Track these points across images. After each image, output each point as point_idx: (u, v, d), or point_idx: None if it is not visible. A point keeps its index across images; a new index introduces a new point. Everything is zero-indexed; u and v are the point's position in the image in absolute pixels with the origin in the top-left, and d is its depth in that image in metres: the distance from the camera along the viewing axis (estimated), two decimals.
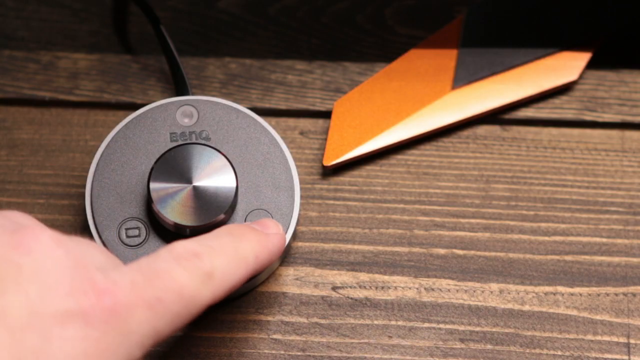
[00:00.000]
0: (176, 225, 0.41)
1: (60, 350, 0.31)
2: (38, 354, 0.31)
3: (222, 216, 0.42)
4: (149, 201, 0.42)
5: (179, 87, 0.46)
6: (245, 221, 0.43)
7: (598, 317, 0.44)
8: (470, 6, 0.50)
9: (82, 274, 0.33)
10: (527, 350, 0.43)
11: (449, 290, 0.44)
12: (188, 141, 0.44)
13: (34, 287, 0.32)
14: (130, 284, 0.34)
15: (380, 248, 0.45)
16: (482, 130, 0.48)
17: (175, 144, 0.44)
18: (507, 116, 0.48)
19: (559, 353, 0.43)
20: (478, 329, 0.44)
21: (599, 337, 0.44)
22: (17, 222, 0.34)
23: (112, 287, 0.33)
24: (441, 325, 0.44)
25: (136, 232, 0.42)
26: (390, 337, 0.43)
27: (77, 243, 0.34)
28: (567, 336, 0.44)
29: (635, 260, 0.45)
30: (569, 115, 0.48)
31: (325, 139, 0.47)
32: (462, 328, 0.44)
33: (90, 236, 0.42)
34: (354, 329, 0.44)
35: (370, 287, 0.44)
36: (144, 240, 0.42)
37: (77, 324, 0.32)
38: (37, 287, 0.32)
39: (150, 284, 0.34)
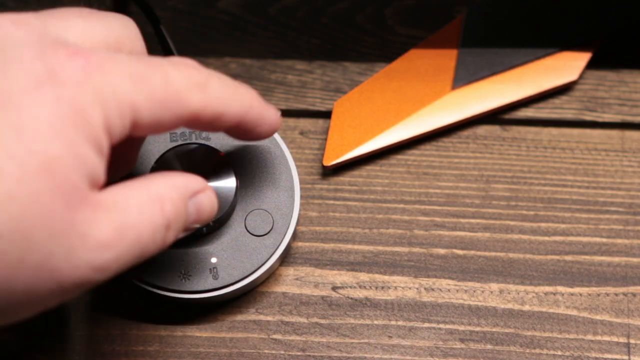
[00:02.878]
0: None
1: (34, 117, 0.30)
2: (15, 127, 0.30)
3: (222, 216, 0.42)
4: None
5: None
6: (245, 221, 0.43)
7: (598, 317, 0.44)
8: (470, 6, 0.49)
9: (50, 43, 0.32)
10: (527, 350, 0.43)
11: (449, 290, 0.44)
12: (188, 141, 0.44)
13: None
14: (109, 55, 0.32)
15: (380, 248, 0.45)
16: (482, 130, 0.48)
17: (175, 144, 0.44)
18: (507, 116, 0.48)
19: (559, 353, 0.43)
20: (478, 329, 0.44)
21: (599, 337, 0.44)
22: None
23: (85, 51, 0.32)
24: (441, 325, 0.44)
25: None
26: (390, 337, 0.43)
27: (44, 20, 0.33)
28: (567, 336, 0.44)
29: (635, 260, 0.45)
30: (569, 115, 0.48)
31: (325, 139, 0.47)
32: (462, 328, 0.44)
33: None
34: (354, 329, 0.44)
35: (370, 287, 0.44)
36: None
37: (48, 87, 0.31)
38: (0, 67, 0.31)
39: (134, 63, 0.33)
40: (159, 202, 0.34)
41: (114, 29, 0.36)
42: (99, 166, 0.32)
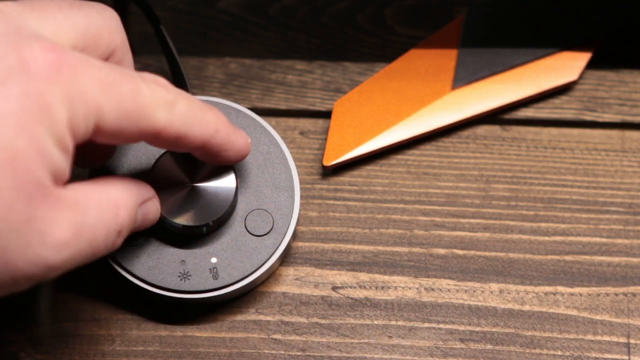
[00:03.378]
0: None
1: (2, 109, 0.30)
2: None
3: (222, 216, 0.42)
4: None
5: (179, 87, 0.46)
6: (245, 221, 0.43)
7: (598, 317, 0.44)
8: (470, 6, 0.50)
9: (26, 35, 0.32)
10: (527, 350, 0.43)
11: (449, 290, 0.44)
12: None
13: None
14: (84, 58, 0.32)
15: (380, 248, 0.45)
16: (482, 130, 0.48)
17: None
18: (507, 116, 0.48)
19: (559, 353, 0.43)
20: (478, 329, 0.44)
21: (599, 337, 0.44)
22: None
23: (59, 48, 0.32)
24: (441, 325, 0.44)
25: None
26: (390, 337, 0.43)
27: (23, 11, 0.33)
28: (567, 336, 0.44)
29: (635, 260, 0.45)
30: (569, 115, 0.48)
31: (325, 139, 0.47)
32: (462, 328, 0.44)
33: None
34: (354, 329, 0.44)
35: (370, 287, 0.44)
36: (143, 240, 0.42)
37: (18, 79, 0.31)
38: None
39: (106, 70, 0.33)
40: (115, 208, 0.35)
41: (94, 21, 0.36)
42: (62, 163, 0.32)
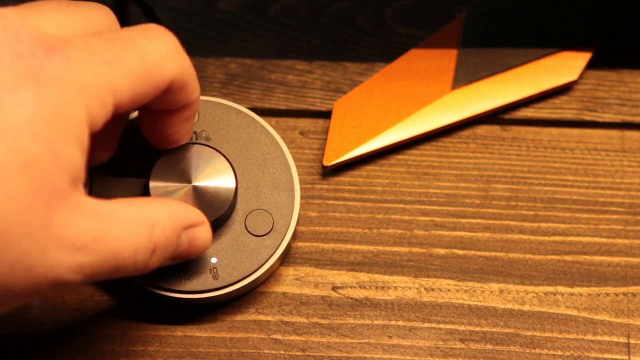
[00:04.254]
0: None
1: (15, 117, 0.30)
2: None
3: (221, 216, 0.42)
4: None
5: None
6: (245, 221, 0.43)
7: (598, 317, 0.44)
8: (470, 6, 0.50)
9: (27, 41, 0.32)
10: (527, 350, 0.43)
11: (449, 290, 0.44)
12: (188, 142, 0.44)
13: None
14: (84, 43, 0.32)
15: (380, 248, 0.45)
16: (482, 130, 0.48)
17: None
18: (507, 116, 0.48)
19: (559, 353, 0.43)
20: (478, 329, 0.44)
21: (599, 337, 0.44)
22: None
23: (61, 45, 0.32)
24: (441, 325, 0.44)
25: None
26: (390, 337, 0.43)
27: (22, 14, 0.33)
28: (567, 336, 0.44)
29: (635, 260, 0.45)
30: (569, 115, 0.48)
31: (325, 139, 0.47)
32: (462, 328, 0.44)
33: None
34: (354, 329, 0.44)
35: (370, 287, 0.44)
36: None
37: (28, 86, 0.31)
38: None
39: (108, 45, 0.33)
40: (150, 226, 0.35)
41: (92, 19, 0.36)
42: (79, 162, 0.32)
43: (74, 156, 0.32)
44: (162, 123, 0.39)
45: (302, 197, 0.46)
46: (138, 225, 0.34)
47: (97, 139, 0.36)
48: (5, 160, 0.30)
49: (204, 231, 0.39)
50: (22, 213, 0.31)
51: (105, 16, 0.37)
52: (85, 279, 0.33)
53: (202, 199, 0.41)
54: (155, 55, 0.34)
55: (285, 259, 0.45)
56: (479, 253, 0.45)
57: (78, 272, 0.32)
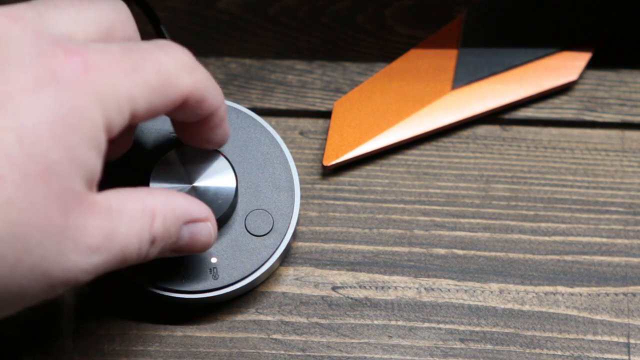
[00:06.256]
0: None
1: (34, 120, 0.31)
2: (16, 131, 0.30)
3: (222, 216, 0.42)
4: None
5: None
6: (245, 221, 0.43)
7: (598, 317, 0.44)
8: (470, 6, 0.49)
9: (47, 41, 0.32)
10: (527, 350, 0.43)
11: (449, 290, 0.44)
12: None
13: None
14: (104, 50, 0.33)
15: (380, 248, 0.45)
16: (482, 130, 0.48)
17: (176, 144, 0.43)
18: (507, 116, 0.48)
19: (559, 353, 0.43)
20: (478, 329, 0.44)
21: (599, 337, 0.44)
22: None
23: (81, 49, 0.32)
24: (441, 325, 0.44)
25: None
26: (390, 337, 0.43)
27: (38, 12, 0.33)
28: (567, 336, 0.44)
29: (635, 260, 0.45)
30: (569, 115, 0.48)
31: (325, 139, 0.47)
32: (462, 328, 0.44)
33: None
34: (354, 329, 0.44)
35: (370, 287, 0.44)
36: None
37: (48, 89, 0.31)
38: None
39: (127, 54, 0.33)
40: (151, 217, 0.35)
41: (106, 14, 0.36)
42: (96, 165, 0.33)
43: (92, 160, 0.32)
44: (191, 131, 0.39)
45: (302, 197, 0.46)
46: (141, 217, 0.35)
47: (113, 139, 0.36)
48: (25, 168, 0.31)
49: (208, 228, 0.38)
50: (41, 219, 0.31)
51: (119, 11, 0.37)
52: (96, 275, 0.33)
53: (203, 199, 0.41)
54: (170, 69, 0.35)
55: (285, 259, 0.45)
56: (479, 253, 0.45)
57: (91, 272, 0.33)
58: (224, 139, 0.40)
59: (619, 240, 0.45)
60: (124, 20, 0.37)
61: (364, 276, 0.45)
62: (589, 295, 0.44)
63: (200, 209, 0.38)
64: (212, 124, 0.38)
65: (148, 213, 0.35)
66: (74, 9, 0.35)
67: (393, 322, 0.44)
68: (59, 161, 0.31)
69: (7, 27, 0.32)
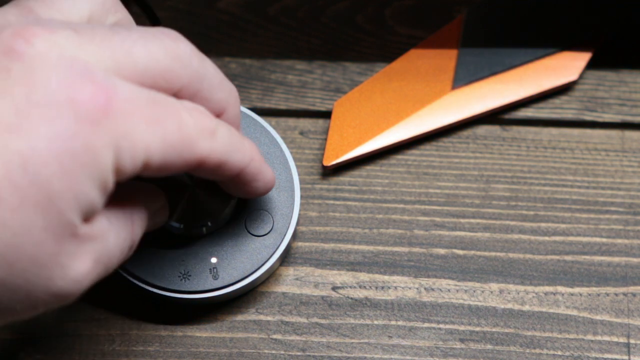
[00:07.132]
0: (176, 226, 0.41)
1: (44, 148, 0.30)
2: (25, 156, 0.30)
3: (221, 216, 0.42)
4: None
5: None
6: (245, 221, 0.43)
7: (598, 317, 0.44)
8: (470, 6, 0.50)
9: (78, 70, 0.31)
10: (527, 350, 0.43)
11: (449, 290, 0.44)
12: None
13: (19, 88, 0.30)
14: (132, 94, 0.32)
15: (380, 248, 0.45)
16: (482, 130, 0.48)
17: None
18: (507, 116, 0.48)
19: (559, 353, 0.43)
20: (478, 329, 0.44)
21: (599, 337, 0.44)
22: (12, 20, 0.33)
23: (110, 87, 0.32)
24: (441, 325, 0.44)
25: None
26: (390, 337, 0.43)
27: (80, 43, 0.32)
28: (567, 336, 0.44)
29: (635, 260, 0.45)
30: (569, 115, 0.48)
31: (325, 139, 0.47)
32: (462, 328, 0.44)
33: None
34: (354, 329, 0.44)
35: (370, 287, 0.44)
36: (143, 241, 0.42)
37: (66, 120, 0.31)
38: (24, 87, 0.31)
39: (151, 104, 0.33)
40: (130, 224, 0.36)
41: (161, 59, 0.35)
42: (98, 203, 0.33)
43: (95, 198, 0.32)
44: (227, 185, 0.39)
45: (302, 197, 0.46)
46: (123, 228, 0.35)
47: None
48: (25, 193, 0.30)
49: (164, 212, 0.40)
50: (32, 246, 0.31)
51: (176, 48, 0.36)
52: (83, 292, 0.34)
53: (203, 199, 0.41)
54: (191, 130, 0.34)
55: (285, 259, 0.45)
56: (479, 253, 0.45)
57: (78, 291, 0.33)
58: (265, 189, 0.39)
59: (619, 240, 0.45)
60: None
61: (364, 276, 0.45)
62: (589, 295, 0.44)
63: (159, 196, 0.39)
64: (241, 182, 0.38)
65: (128, 220, 0.35)
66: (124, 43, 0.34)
67: (393, 322, 0.44)
68: (61, 193, 0.31)
69: (46, 51, 0.32)
